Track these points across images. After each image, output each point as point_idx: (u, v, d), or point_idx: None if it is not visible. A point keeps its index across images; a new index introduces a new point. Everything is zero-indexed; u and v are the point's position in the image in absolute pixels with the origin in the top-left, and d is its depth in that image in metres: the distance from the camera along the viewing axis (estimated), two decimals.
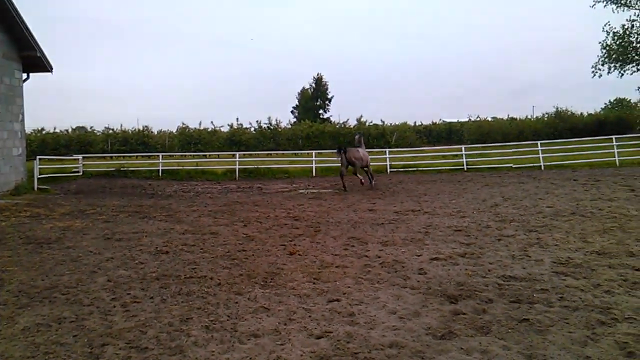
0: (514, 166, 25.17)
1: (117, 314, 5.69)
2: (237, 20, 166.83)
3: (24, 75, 20.61)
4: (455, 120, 52.62)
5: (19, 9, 18.54)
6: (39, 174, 21.09)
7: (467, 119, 50.57)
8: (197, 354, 4.65)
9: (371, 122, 42.11)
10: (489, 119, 49.56)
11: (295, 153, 32.28)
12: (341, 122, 42.49)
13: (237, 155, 26.08)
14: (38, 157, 22.67)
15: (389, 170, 25.82)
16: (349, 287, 6.60)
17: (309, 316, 5.57)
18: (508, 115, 49.31)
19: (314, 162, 26.02)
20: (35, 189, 20.03)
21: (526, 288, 6.33)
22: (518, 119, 48.13)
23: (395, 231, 10.29)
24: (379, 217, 12.10)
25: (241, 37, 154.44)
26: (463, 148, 27.13)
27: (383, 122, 42.56)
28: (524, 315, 5.40)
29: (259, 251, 8.71)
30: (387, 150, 27.17)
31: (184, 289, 6.58)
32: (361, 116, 42.05)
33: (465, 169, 25.20)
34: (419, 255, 8.18)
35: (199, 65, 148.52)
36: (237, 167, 25.16)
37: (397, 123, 45.24)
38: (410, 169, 25.91)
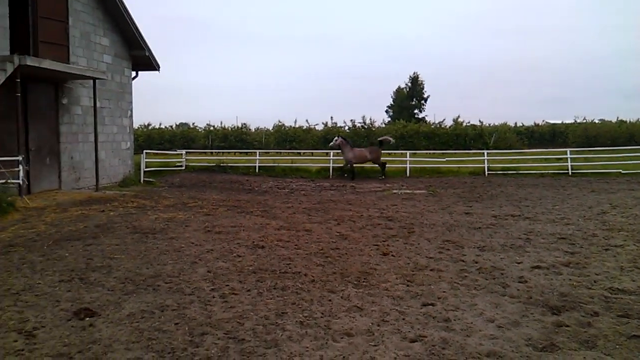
0: (624, 172, 23.60)
1: (216, 305, 5.91)
2: (332, 18, 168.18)
3: (133, 73, 21.90)
4: (560, 121, 49.96)
5: (130, 12, 19.72)
6: (145, 167, 22.32)
7: (572, 121, 47.97)
8: (291, 348, 4.73)
9: (469, 122, 40.95)
10: (596, 121, 46.69)
11: (389, 152, 32.00)
12: (437, 122, 41.66)
13: (332, 153, 26.26)
14: (145, 151, 23.98)
15: (487, 173, 25.04)
16: (444, 291, 6.47)
17: (403, 319, 5.51)
18: (617, 118, 46.27)
19: (407, 162, 25.72)
20: (141, 181, 21.24)
21: (636, 302, 5.92)
22: (628, 122, 45.06)
23: (494, 236, 9.97)
24: (476, 220, 11.77)
25: (337, 35, 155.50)
26: (568, 151, 25.72)
27: (481, 122, 41.30)
28: (633, 331, 5.06)
29: (352, 250, 8.73)
30: (486, 151, 26.34)
31: (279, 284, 6.72)
32: (458, 116, 40.99)
33: (570, 173, 23.91)
34: (519, 263, 7.87)
35: (295, 64, 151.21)
36: (331, 165, 25.36)
37: (496, 124, 43.78)
38: (509, 172, 24.97)
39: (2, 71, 12.79)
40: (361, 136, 38.28)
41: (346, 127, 40.09)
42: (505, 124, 45.45)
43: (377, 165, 24.48)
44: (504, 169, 25.55)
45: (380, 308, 5.83)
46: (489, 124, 42.02)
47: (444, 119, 41.19)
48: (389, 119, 61.12)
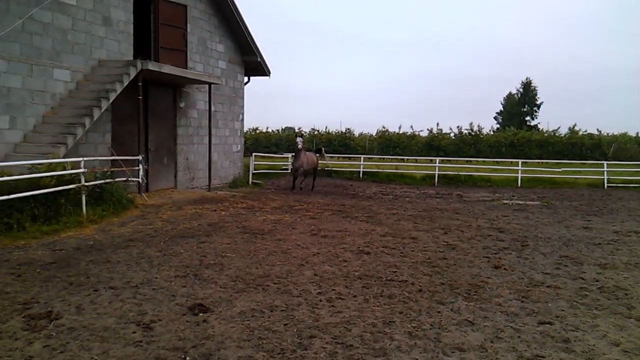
0: None
1: (323, 308, 5.90)
2: (440, 22, 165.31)
3: (245, 79, 22.68)
4: None
5: (244, 19, 20.44)
6: (254, 170, 22.99)
7: None
8: (401, 359, 4.61)
9: (585, 131, 38.65)
10: None
11: (497, 161, 30.88)
12: (550, 130, 39.65)
13: (437, 160, 25.73)
14: (253, 153, 24.72)
15: (606, 185, 23.45)
16: (563, 310, 6.07)
17: (518, 336, 5.22)
18: None
19: (519, 171, 24.62)
20: (250, 183, 21.91)
21: None
22: None
23: (616, 253, 9.27)
24: (596, 236, 11.01)
25: (443, 38, 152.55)
26: None
27: (599, 131, 38.81)
28: None
29: (460, 261, 8.44)
30: (605, 163, 24.68)
31: (385, 291, 6.61)
32: (574, 125, 38.83)
33: None
34: None
35: (401, 68, 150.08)
36: (437, 172, 24.84)
37: (615, 133, 40.92)
38: (631, 185, 23.23)
39: (125, 75, 13.66)
40: (468, 143, 37.28)
41: (452, 134, 39.20)
42: (626, 133, 42.32)
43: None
44: (625, 182, 23.80)
45: (493, 324, 5.57)
46: (608, 134, 39.37)
47: (559, 127, 39.13)
48: (498, 125, 59.22)
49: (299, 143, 18.88)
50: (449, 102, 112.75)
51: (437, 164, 25.37)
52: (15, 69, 12.00)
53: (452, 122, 63.00)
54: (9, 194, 9.42)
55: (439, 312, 5.91)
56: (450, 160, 30.90)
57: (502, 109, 64.48)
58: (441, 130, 39.71)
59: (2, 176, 9.57)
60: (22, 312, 5.51)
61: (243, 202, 15.07)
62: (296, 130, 20.44)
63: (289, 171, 26.88)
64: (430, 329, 5.37)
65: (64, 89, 13.36)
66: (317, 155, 21.22)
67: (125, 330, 5.11)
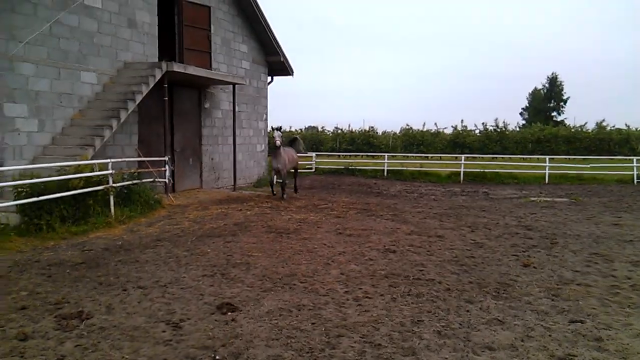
0: None
1: (350, 307, 5.88)
2: (464, 18, 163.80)
3: (269, 79, 22.76)
4: None
5: (267, 19, 20.50)
6: None
7: None
8: (430, 358, 4.57)
9: (614, 126, 37.90)
10: None
11: (524, 157, 30.48)
12: (577, 125, 38.97)
13: (463, 158, 25.49)
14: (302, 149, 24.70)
15: (635, 181, 23.00)
16: (594, 308, 5.96)
17: (549, 335, 5.14)
18: None
19: (547, 168, 24.25)
20: (275, 182, 21.90)
21: None
22: None
23: None
24: (627, 233, 10.78)
25: (467, 34, 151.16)
26: None
27: (628, 126, 38.02)
28: None
29: (488, 259, 8.34)
30: (635, 158, 24.17)
31: (412, 290, 6.56)
32: (603, 120, 38.05)
33: None
34: None
35: (423, 65, 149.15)
36: (462, 170, 24.60)
37: None
38: None
39: (151, 77, 13.80)
40: (493, 140, 36.86)
41: (477, 131, 38.81)
42: None
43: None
44: None
45: (523, 322, 5.49)
46: (637, 128, 38.53)
47: (586, 123, 38.38)
48: (524, 121, 58.49)
49: (277, 139, 15.23)
50: (473, 99, 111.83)
51: (462, 161, 25.13)
52: (43, 73, 12.20)
53: (476, 119, 62.29)
54: (38, 196, 9.59)
55: (467, 311, 5.85)
56: (475, 157, 30.63)
57: (527, 104, 63.62)
58: (466, 127, 39.36)
59: (32, 178, 9.74)
60: (54, 312, 5.60)
61: (267, 201, 15.12)
62: (274, 126, 15.85)
63: (313, 170, 26.86)
64: (460, 328, 5.32)
65: (91, 92, 13.54)
66: (294, 149, 17.09)
67: (154, 329, 5.16)
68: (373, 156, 32.43)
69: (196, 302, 5.99)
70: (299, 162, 18.39)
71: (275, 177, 15.87)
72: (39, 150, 12.09)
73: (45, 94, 12.28)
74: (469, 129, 39.25)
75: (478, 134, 38.47)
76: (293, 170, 17.58)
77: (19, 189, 9.76)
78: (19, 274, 7.15)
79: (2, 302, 5.91)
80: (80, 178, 10.44)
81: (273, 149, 15.52)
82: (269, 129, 16.10)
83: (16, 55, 11.53)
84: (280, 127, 15.61)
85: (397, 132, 42.31)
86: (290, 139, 17.76)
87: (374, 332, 5.16)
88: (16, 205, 9.68)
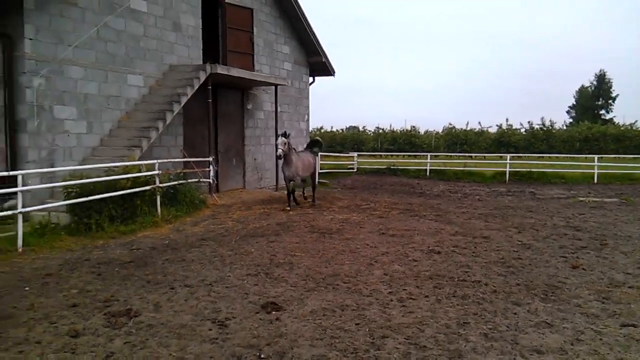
0: None
1: (394, 308, 5.84)
2: (506, 14, 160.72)
3: (310, 79, 22.84)
4: None
5: (309, 20, 20.57)
6: (320, 169, 23.07)
7: None
8: None
9: None
10: None
11: (571, 157, 29.71)
12: (627, 123, 37.73)
13: (508, 157, 24.99)
14: (319, 153, 24.79)
15: None
16: None
17: (600, 339, 4.99)
18: None
19: (595, 167, 23.55)
20: (316, 182, 21.97)
21: None
22: None
23: None
24: None
25: (512, 32, 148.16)
26: None
27: None
28: None
29: (536, 261, 8.15)
30: None
31: (458, 292, 6.47)
32: None
33: None
34: None
35: (468, 63, 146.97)
36: (508, 169, 24.11)
37: None
38: None
39: (196, 79, 14.02)
40: (539, 139, 36.05)
41: (522, 129, 38.02)
42: None
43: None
44: None
45: (573, 325, 5.35)
46: None
47: (635, 121, 37.07)
48: (571, 120, 57.06)
49: (280, 147, 12.98)
50: (518, 97, 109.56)
51: (508, 161, 24.64)
52: (91, 76, 12.54)
53: (522, 118, 61.24)
54: (87, 196, 9.86)
55: (515, 313, 5.73)
56: (521, 156, 29.98)
57: (574, 102, 62.07)
58: (511, 125, 38.64)
59: (82, 179, 10.02)
60: (103, 310, 5.74)
61: (310, 201, 15.13)
62: (279, 132, 14.88)
63: (355, 170, 26.79)
64: (507, 330, 5.21)
65: (138, 94, 13.86)
66: (313, 154, 15.25)
67: (201, 327, 5.23)
68: (415, 156, 32.09)
69: (241, 301, 6.05)
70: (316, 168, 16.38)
71: (291, 186, 13.91)
72: (88, 151, 12.44)
73: (94, 96, 12.61)
74: (514, 127, 38.53)
75: (524, 133, 37.70)
76: (311, 177, 15.21)
77: (69, 189, 10.05)
78: (69, 272, 7.36)
79: (54, 300, 6.09)
80: (128, 178, 10.69)
81: (282, 156, 13.08)
82: (280, 140, 13.03)
83: (65, 59, 11.88)
84: (286, 133, 13.36)
85: (440, 131, 41.88)
86: (310, 142, 16.12)
87: (419, 333, 5.10)
88: (66, 205, 9.98)
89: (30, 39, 11.09)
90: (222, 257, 8.21)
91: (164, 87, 14.27)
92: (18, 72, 11.09)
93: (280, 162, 13.71)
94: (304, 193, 14.27)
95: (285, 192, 14.49)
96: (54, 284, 6.74)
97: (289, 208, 13.51)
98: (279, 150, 12.99)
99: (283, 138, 13.10)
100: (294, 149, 14.05)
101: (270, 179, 19.33)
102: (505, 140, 36.88)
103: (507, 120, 39.78)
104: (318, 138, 16.02)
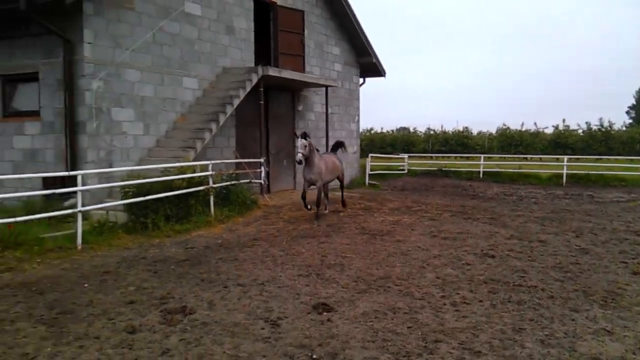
0: None
1: (447, 312, 5.75)
2: (564, 15, 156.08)
3: (361, 80, 22.79)
4: None
5: (359, 20, 20.54)
6: (370, 170, 22.99)
7: None
8: None
9: None
10: None
11: (632, 159, 28.57)
12: None
13: (565, 159, 24.23)
14: (370, 154, 24.72)
15: None
16: None
17: None
18: None
19: None
20: (366, 184, 21.94)
21: None
22: None
23: None
24: None
25: (568, 30, 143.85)
26: None
27: None
28: None
29: (595, 266, 7.89)
30: None
31: (513, 297, 6.32)
32: None
33: None
34: None
35: (521, 63, 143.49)
36: (565, 171, 23.40)
37: None
38: None
39: (248, 81, 14.21)
40: (598, 140, 34.81)
41: (580, 130, 36.78)
42: None
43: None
44: None
45: (634, 334, 5.15)
46: None
47: None
48: (630, 120, 54.93)
49: (300, 149, 11.53)
50: (574, 97, 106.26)
51: (565, 163, 23.90)
52: (147, 79, 12.89)
53: (579, 118, 59.20)
54: (144, 196, 10.14)
55: (573, 320, 5.56)
56: (578, 158, 29.04)
57: (634, 102, 59.77)
58: (568, 126, 37.38)
59: (139, 179, 10.31)
60: (159, 307, 5.88)
61: (360, 202, 15.12)
62: (297, 133, 12.27)
63: (405, 172, 26.52)
64: (564, 337, 5.06)
65: (192, 97, 14.16)
66: (336, 156, 13.96)
67: (254, 326, 5.29)
68: (467, 157, 31.58)
69: (293, 301, 6.09)
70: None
71: (308, 189, 12.58)
72: (144, 152, 12.78)
73: (150, 99, 12.96)
74: (571, 128, 37.32)
75: (581, 134, 36.44)
76: (339, 181, 14.16)
77: (126, 189, 10.36)
78: (127, 269, 7.58)
79: (112, 297, 6.28)
80: (183, 179, 10.93)
81: (304, 159, 11.77)
82: (300, 142, 11.54)
83: (122, 62, 12.25)
84: (306, 134, 11.81)
85: (494, 132, 40.95)
86: (334, 144, 14.68)
87: (473, 338, 5.01)
88: (124, 204, 10.28)
89: (89, 43, 11.48)
90: (274, 257, 8.29)
91: (217, 89, 14.52)
92: (78, 76, 11.50)
93: (301, 166, 12.37)
94: (320, 203, 12.80)
95: (334, 193, 14.42)
96: (112, 281, 6.95)
97: (308, 208, 12.29)
98: (299, 155, 11.52)
99: (303, 140, 11.58)
100: (317, 150, 12.75)
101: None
102: (561, 142, 35.75)
103: (563, 120, 38.51)
104: (341, 140, 15.07)
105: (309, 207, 12.36)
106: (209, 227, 10.83)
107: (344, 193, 14.41)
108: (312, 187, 12.77)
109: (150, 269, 7.58)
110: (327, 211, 13.20)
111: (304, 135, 11.70)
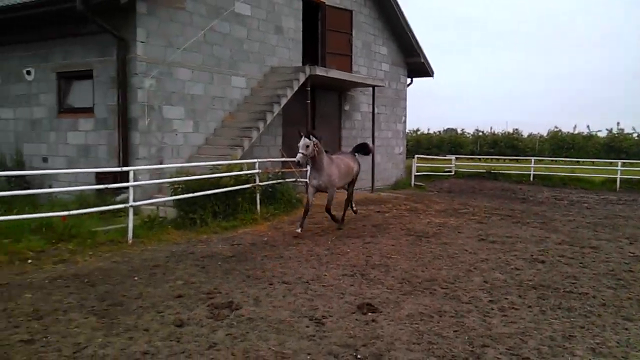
0: None
1: (495, 317, 5.65)
2: (621, 15, 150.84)
3: (408, 80, 22.62)
4: None
5: (408, 20, 20.38)
6: (416, 172, 22.77)
7: None
8: None
9: None
10: None
11: None
12: None
13: (619, 163, 23.41)
14: (416, 155, 24.48)
15: None
16: None
17: None
18: None
19: None
20: (412, 185, 21.75)
21: None
22: None
23: None
24: None
25: (620, 32, 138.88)
26: None
27: None
28: None
29: None
30: None
31: (563, 304, 6.16)
32: None
33: None
34: None
35: (576, 65, 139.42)
36: (619, 176, 22.60)
37: None
38: None
39: (295, 80, 14.29)
40: None
41: (635, 134, 35.48)
42: None
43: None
44: None
45: None
46: None
47: None
48: None
49: (302, 149, 9.93)
50: (630, 100, 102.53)
51: (619, 167, 23.10)
52: (198, 78, 13.11)
53: (634, 122, 57.02)
54: (193, 192, 10.32)
55: (626, 328, 5.38)
56: (633, 163, 28.02)
57: None
58: (622, 130, 36.12)
59: (188, 176, 10.51)
60: (206, 302, 5.98)
61: (406, 204, 15.01)
62: (301, 132, 10.12)
63: (452, 174, 26.13)
64: (617, 346, 4.90)
65: (240, 95, 14.34)
66: (354, 157, 12.12)
67: (299, 323, 5.32)
68: (517, 160, 30.84)
69: (337, 300, 6.09)
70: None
71: (313, 198, 10.94)
72: (194, 149, 13.01)
73: (200, 97, 13.18)
74: (625, 132, 36.03)
75: (636, 138, 35.17)
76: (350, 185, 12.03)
77: (176, 185, 10.57)
78: (175, 264, 7.73)
79: (161, 290, 6.42)
80: (231, 176, 11.07)
81: (308, 161, 10.41)
82: (303, 142, 9.94)
83: (174, 61, 12.49)
84: (311, 133, 10.30)
85: (545, 134, 39.93)
86: (357, 145, 12.94)
87: (521, 344, 4.91)
88: (173, 200, 10.50)
89: (142, 42, 11.75)
90: (319, 256, 8.32)
91: (265, 88, 14.66)
92: (131, 74, 11.78)
93: (307, 167, 10.97)
94: (352, 206, 11.94)
95: (380, 193, 14.33)
96: (161, 275, 7.11)
97: (299, 230, 10.20)
98: (299, 155, 9.96)
99: (306, 139, 9.97)
100: (326, 151, 10.90)
101: (365, 180, 19.25)
102: (615, 146, 34.57)
103: (618, 124, 36.98)
104: (367, 142, 13.47)
105: (338, 221, 11.07)
106: (255, 225, 10.94)
107: (352, 200, 12.17)
108: (317, 192, 10.99)
109: (198, 264, 7.71)
110: (356, 213, 12.16)
111: (309, 134, 10.13)
